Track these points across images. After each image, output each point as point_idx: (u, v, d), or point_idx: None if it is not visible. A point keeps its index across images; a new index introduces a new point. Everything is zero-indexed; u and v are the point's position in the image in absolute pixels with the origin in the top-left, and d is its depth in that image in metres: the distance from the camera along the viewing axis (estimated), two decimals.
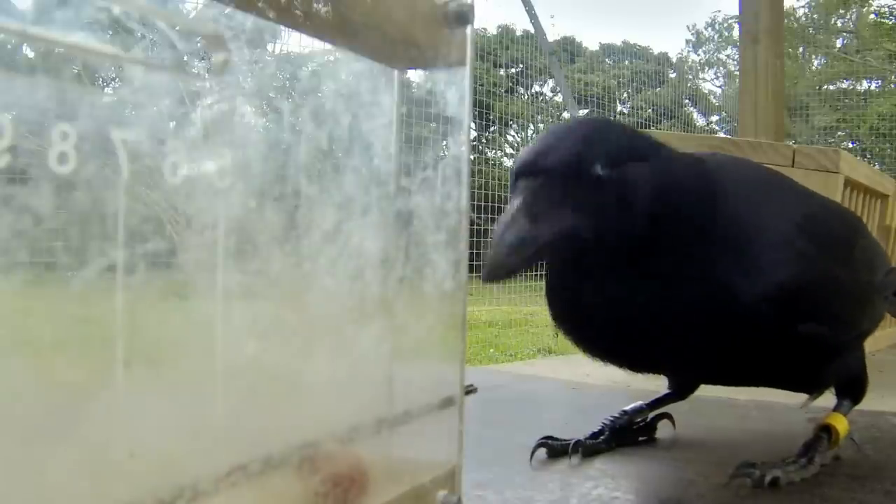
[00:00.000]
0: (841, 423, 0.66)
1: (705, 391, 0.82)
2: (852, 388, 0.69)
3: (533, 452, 0.67)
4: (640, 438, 0.75)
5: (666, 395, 0.76)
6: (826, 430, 0.65)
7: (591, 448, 0.69)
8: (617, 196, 0.54)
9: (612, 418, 0.73)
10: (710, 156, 0.67)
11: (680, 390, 0.76)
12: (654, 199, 0.55)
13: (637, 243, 0.55)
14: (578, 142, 0.55)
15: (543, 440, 0.68)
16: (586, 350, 0.63)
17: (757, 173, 0.68)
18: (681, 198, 0.56)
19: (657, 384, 0.79)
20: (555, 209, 0.53)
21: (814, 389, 0.67)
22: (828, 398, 0.69)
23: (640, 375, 0.69)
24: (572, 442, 0.68)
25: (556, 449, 0.68)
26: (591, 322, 0.60)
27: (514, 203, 0.53)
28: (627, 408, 0.74)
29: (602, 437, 0.71)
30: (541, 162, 0.54)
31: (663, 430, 0.76)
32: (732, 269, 0.57)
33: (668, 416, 0.76)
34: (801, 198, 0.67)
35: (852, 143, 9.20)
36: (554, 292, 0.62)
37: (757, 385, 0.68)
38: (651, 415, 0.76)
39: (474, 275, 0.48)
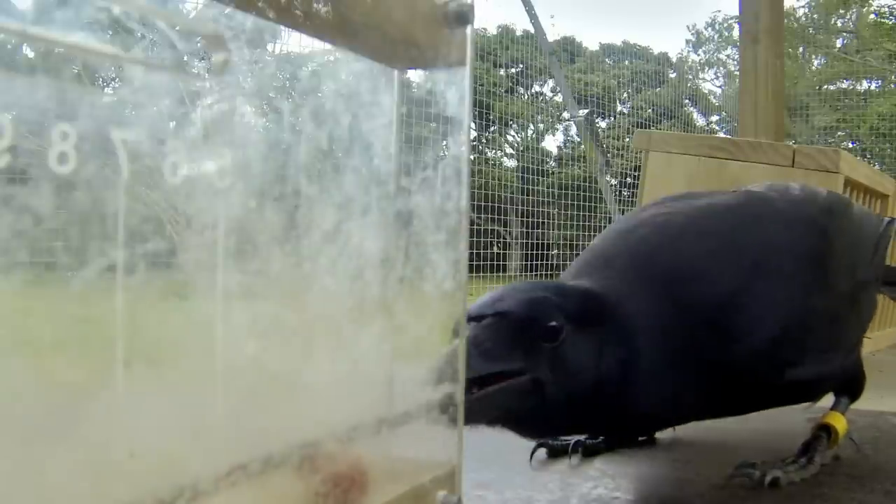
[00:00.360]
0: (840, 423, 0.66)
1: None
2: (851, 386, 0.68)
3: (533, 452, 0.67)
4: (640, 438, 0.75)
5: None
6: (825, 430, 0.65)
7: (590, 448, 0.69)
8: (573, 351, 0.53)
9: None
10: (656, 233, 0.63)
11: None
12: (606, 361, 0.54)
13: (590, 394, 0.54)
14: (537, 292, 0.54)
15: (543, 440, 0.68)
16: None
17: (693, 235, 0.63)
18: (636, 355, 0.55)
19: None
20: (505, 350, 0.51)
21: (817, 398, 0.67)
22: (827, 396, 0.69)
23: None
24: (572, 442, 0.68)
25: (555, 449, 0.68)
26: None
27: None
28: None
29: (601, 437, 0.71)
30: (491, 308, 0.52)
31: (663, 431, 0.76)
32: (718, 359, 0.56)
33: None
34: (751, 233, 0.62)
35: (852, 143, 9.20)
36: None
37: (766, 409, 0.67)
38: None
39: (474, 275, 0.48)
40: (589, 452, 0.69)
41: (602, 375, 0.54)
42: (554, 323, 0.53)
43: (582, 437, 0.69)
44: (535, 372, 0.52)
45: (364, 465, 0.37)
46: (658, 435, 0.76)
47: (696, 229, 0.63)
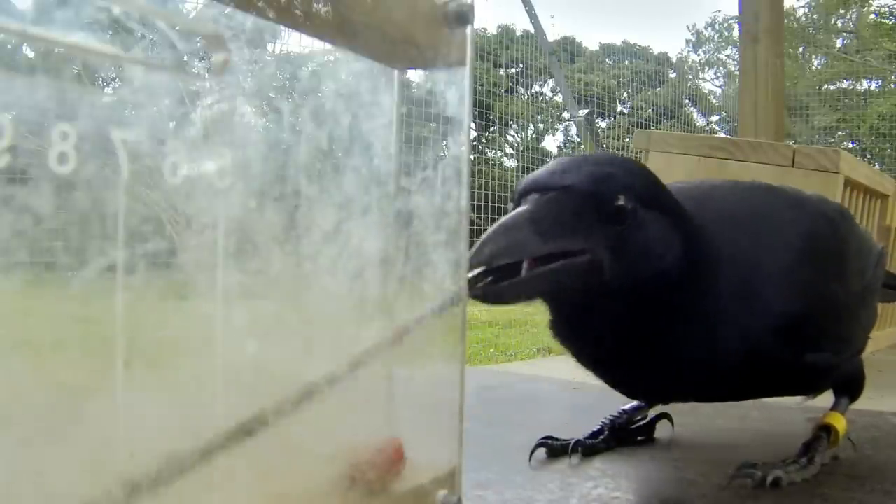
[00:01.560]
0: (839, 423, 0.66)
1: None
2: (850, 386, 0.68)
3: (532, 452, 0.67)
4: (639, 438, 0.75)
5: None
6: (825, 430, 0.65)
7: (590, 448, 0.69)
8: (640, 236, 0.52)
9: (611, 417, 0.73)
10: (696, 189, 0.64)
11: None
12: (673, 253, 0.53)
13: (650, 288, 0.53)
14: (605, 166, 0.52)
15: (543, 440, 0.68)
16: (595, 374, 0.62)
17: (745, 203, 0.64)
18: (694, 255, 0.54)
19: None
20: (566, 229, 0.49)
21: (813, 394, 0.68)
22: (827, 396, 0.69)
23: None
24: (572, 442, 0.68)
25: (555, 449, 0.68)
26: (603, 356, 0.59)
27: (519, 210, 0.49)
28: (626, 406, 0.74)
29: (601, 437, 0.71)
30: (557, 179, 0.50)
31: (662, 431, 0.76)
32: (738, 310, 0.55)
33: (666, 415, 0.76)
34: (792, 218, 0.63)
35: (852, 143, 9.21)
36: (564, 327, 0.59)
37: (755, 398, 0.68)
38: (650, 414, 0.76)
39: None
40: (588, 452, 0.69)
41: (667, 272, 0.52)
42: (622, 203, 0.51)
43: (582, 437, 0.69)
44: (597, 254, 0.50)
45: (401, 450, 0.38)
46: (657, 435, 0.76)
47: (743, 198, 0.64)
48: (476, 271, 0.47)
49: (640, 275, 0.52)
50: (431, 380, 0.42)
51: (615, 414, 0.73)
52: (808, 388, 0.66)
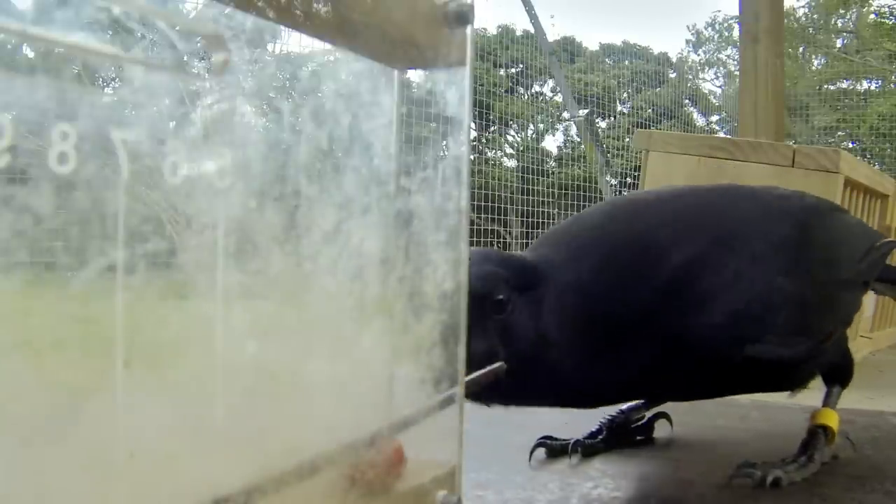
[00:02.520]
0: (832, 419, 0.66)
1: None
2: (838, 374, 0.68)
3: (532, 452, 0.67)
4: (638, 438, 0.75)
5: None
6: (821, 428, 0.65)
7: (590, 448, 0.69)
8: (519, 319, 0.54)
9: (609, 417, 0.73)
10: (606, 217, 0.64)
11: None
12: (562, 319, 0.54)
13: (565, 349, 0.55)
14: (484, 265, 0.54)
15: (542, 439, 0.68)
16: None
17: (656, 211, 0.64)
18: (596, 306, 0.56)
19: None
20: (482, 333, 0.52)
21: (794, 388, 0.67)
22: (817, 394, 0.69)
23: None
24: (571, 441, 0.68)
25: (555, 448, 0.68)
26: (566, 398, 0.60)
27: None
28: (624, 406, 0.74)
29: (601, 437, 0.71)
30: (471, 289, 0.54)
31: (661, 431, 0.76)
32: (673, 321, 0.56)
33: (665, 415, 0.77)
34: (722, 213, 0.63)
35: (852, 143, 9.20)
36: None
37: (735, 394, 0.68)
38: (648, 414, 0.76)
39: None
40: (588, 452, 0.69)
41: (541, 343, 0.54)
42: (501, 296, 0.53)
43: (581, 437, 0.69)
44: (492, 346, 0.52)
45: (401, 451, 0.38)
46: (656, 435, 0.76)
47: (662, 206, 0.64)
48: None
49: (525, 353, 0.54)
50: (431, 379, 0.42)
51: (613, 414, 0.73)
52: (780, 383, 0.65)
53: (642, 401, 0.74)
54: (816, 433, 0.65)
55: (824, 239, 0.67)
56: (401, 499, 0.38)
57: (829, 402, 0.68)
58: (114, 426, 0.28)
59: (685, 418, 0.78)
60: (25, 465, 0.25)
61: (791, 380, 0.65)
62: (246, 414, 0.32)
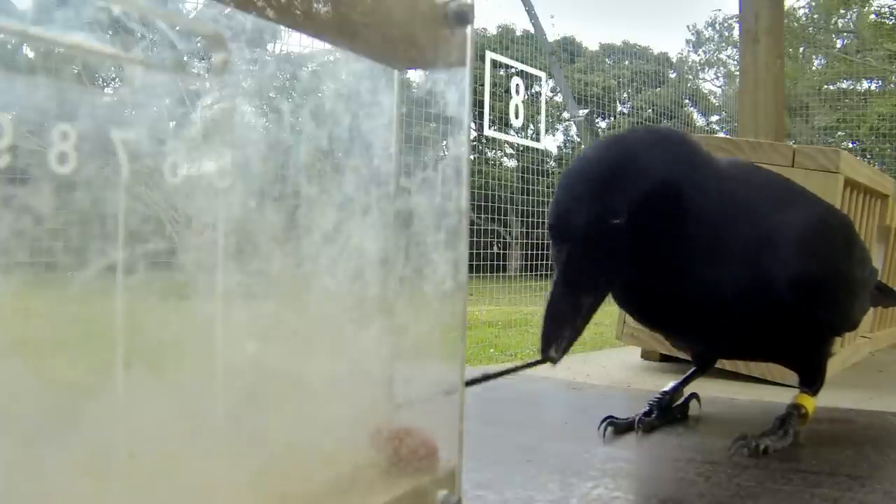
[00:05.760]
0: (809, 403, 0.73)
1: (706, 392, 0.84)
2: (810, 381, 0.75)
3: (603, 429, 0.73)
4: (678, 416, 0.81)
5: (692, 373, 0.83)
6: (796, 408, 0.73)
7: (648, 424, 0.76)
8: (639, 239, 0.61)
9: (656, 398, 0.80)
10: (731, 165, 0.73)
11: (703, 365, 0.83)
12: (677, 231, 0.62)
13: (675, 260, 0.63)
14: (596, 197, 0.60)
15: (609, 418, 0.75)
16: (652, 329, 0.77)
17: (774, 180, 0.75)
18: (712, 218, 0.63)
19: (655, 384, 0.82)
20: (588, 271, 0.60)
21: (803, 369, 0.75)
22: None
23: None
24: (636, 418, 0.76)
25: (620, 426, 0.75)
26: (653, 315, 0.72)
27: (556, 272, 0.61)
28: (667, 388, 0.81)
29: (654, 415, 0.78)
30: (563, 228, 0.61)
31: (664, 430, 0.77)
32: (764, 262, 0.65)
33: (696, 395, 0.84)
34: (813, 203, 0.75)
35: (852, 143, 9.20)
36: (621, 301, 0.73)
37: (764, 359, 0.81)
38: (684, 395, 0.82)
39: (474, 275, 0.48)
40: (648, 428, 0.76)
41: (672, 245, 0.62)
42: (614, 221, 0.60)
43: (640, 415, 0.76)
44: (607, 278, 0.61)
45: (434, 440, 0.40)
46: (656, 434, 0.76)
47: (787, 184, 0.76)
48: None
49: (653, 259, 0.62)
50: (431, 379, 0.42)
51: (659, 395, 0.81)
52: (807, 352, 0.74)
53: (678, 383, 0.82)
54: (792, 413, 0.72)
55: (860, 246, 0.80)
56: (401, 499, 0.38)
57: (806, 392, 0.75)
58: (114, 426, 0.28)
59: (687, 419, 0.80)
60: (26, 465, 0.25)
61: (811, 358, 0.74)
62: (246, 414, 0.32)
